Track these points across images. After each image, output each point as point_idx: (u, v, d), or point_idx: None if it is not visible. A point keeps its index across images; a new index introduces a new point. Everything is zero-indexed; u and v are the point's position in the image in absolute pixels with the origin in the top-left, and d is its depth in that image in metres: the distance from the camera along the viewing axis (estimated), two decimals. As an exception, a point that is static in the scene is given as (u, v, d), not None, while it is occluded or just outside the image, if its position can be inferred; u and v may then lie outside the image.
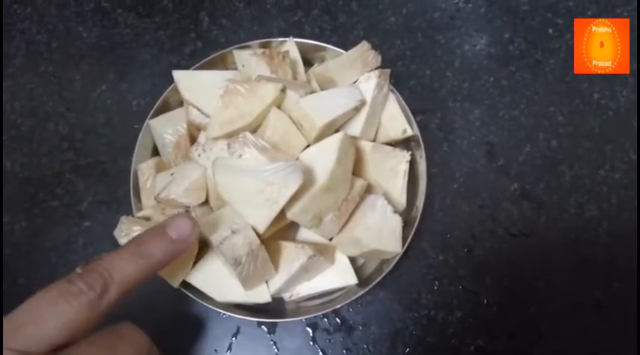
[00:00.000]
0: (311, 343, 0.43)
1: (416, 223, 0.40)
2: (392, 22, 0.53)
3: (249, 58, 0.42)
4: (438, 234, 0.45)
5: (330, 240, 0.39)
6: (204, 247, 0.38)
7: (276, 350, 0.42)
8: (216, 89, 0.39)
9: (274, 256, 0.37)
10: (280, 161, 0.34)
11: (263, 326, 0.43)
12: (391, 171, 0.40)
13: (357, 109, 0.40)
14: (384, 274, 0.39)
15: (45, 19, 0.54)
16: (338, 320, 0.43)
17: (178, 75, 0.41)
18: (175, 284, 0.37)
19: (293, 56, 0.44)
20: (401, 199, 0.41)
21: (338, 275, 0.39)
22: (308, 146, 0.38)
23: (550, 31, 0.51)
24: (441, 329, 0.43)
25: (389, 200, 0.39)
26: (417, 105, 0.46)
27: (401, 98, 0.43)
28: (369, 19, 0.53)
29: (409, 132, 0.42)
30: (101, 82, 0.51)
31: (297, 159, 0.37)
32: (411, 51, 0.51)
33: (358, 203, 0.38)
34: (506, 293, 0.44)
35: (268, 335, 0.43)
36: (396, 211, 0.39)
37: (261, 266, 0.36)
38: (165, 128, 0.43)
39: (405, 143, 0.44)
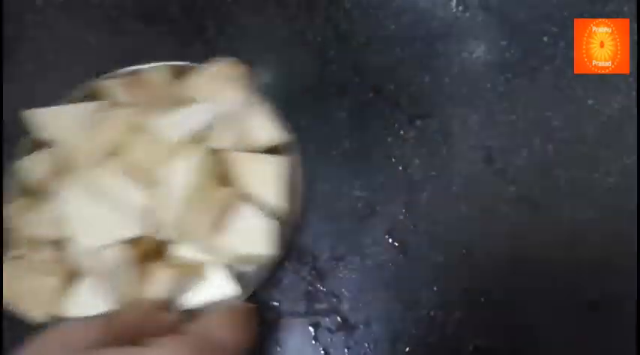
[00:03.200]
0: (313, 342, 0.43)
1: (298, 223, 0.42)
2: (392, 30, 0.54)
3: (114, 87, 0.45)
4: (438, 236, 0.46)
5: (204, 253, 0.39)
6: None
7: (278, 349, 0.43)
8: (84, 122, 0.41)
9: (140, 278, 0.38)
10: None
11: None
12: (263, 178, 0.41)
13: (219, 122, 0.42)
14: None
15: (54, 28, 0.55)
16: (339, 319, 0.44)
17: (33, 114, 0.43)
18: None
19: (157, 80, 0.46)
20: (277, 203, 0.41)
21: (216, 288, 0.39)
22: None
23: (545, 38, 0.53)
24: (441, 329, 0.44)
25: (263, 206, 0.40)
26: (416, 111, 0.48)
27: (269, 107, 0.44)
28: (370, 27, 0.54)
29: (279, 140, 0.44)
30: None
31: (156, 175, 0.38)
32: (410, 58, 0.53)
33: (229, 212, 0.39)
34: (504, 293, 0.44)
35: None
36: (273, 215, 0.40)
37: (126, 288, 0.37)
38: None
39: (277, 151, 0.44)
